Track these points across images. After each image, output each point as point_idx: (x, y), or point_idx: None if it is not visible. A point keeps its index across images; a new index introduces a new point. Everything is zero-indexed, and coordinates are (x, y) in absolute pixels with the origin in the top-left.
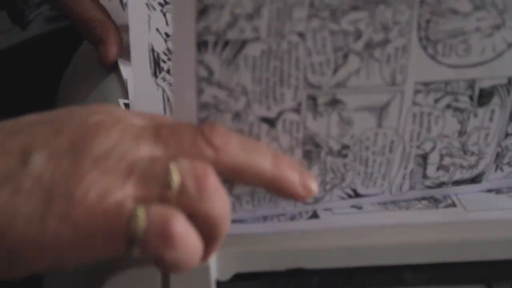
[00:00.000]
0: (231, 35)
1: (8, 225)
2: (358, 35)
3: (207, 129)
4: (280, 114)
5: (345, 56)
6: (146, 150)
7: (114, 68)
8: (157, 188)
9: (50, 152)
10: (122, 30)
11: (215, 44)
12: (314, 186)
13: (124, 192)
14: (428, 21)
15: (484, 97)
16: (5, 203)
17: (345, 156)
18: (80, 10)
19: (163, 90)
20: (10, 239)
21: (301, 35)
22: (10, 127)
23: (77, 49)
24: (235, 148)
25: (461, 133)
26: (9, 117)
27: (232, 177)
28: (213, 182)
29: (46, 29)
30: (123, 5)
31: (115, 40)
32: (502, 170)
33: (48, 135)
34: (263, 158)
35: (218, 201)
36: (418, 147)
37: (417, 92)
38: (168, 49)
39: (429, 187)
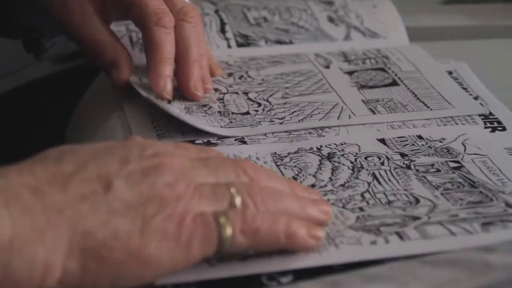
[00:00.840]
0: None
1: (112, 238)
2: None
3: (243, 162)
4: None
5: None
6: (203, 177)
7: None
8: (225, 207)
9: (127, 180)
10: None
11: None
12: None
13: (202, 208)
14: None
15: None
16: (105, 220)
17: None
18: (90, 33)
19: None
20: (116, 250)
21: None
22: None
23: (86, 89)
24: (263, 178)
25: None
26: (15, 155)
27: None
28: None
29: (57, 69)
30: (133, 44)
31: (127, 62)
32: None
33: (116, 165)
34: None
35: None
36: None
37: None
38: None
39: None
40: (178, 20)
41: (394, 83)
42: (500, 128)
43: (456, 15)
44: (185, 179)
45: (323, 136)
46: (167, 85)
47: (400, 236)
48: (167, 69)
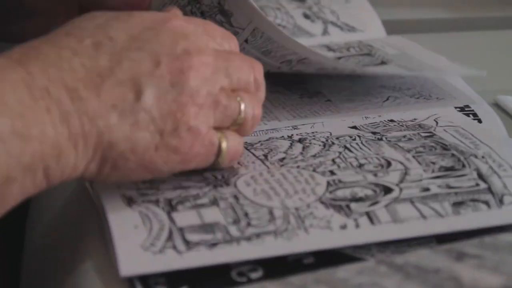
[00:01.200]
0: None
1: (130, 151)
2: None
3: (256, 66)
4: None
5: None
6: (222, 82)
7: None
8: (229, 122)
9: (156, 88)
10: None
11: None
12: None
13: (211, 125)
14: None
15: None
16: (127, 134)
17: None
18: None
19: None
20: (130, 161)
21: None
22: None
23: None
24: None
25: None
26: None
27: None
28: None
29: None
30: None
31: None
32: None
33: (148, 66)
34: None
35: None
36: None
37: None
38: None
39: None
40: None
41: (383, 63)
42: (476, 120)
43: (434, 8)
44: (207, 86)
45: (298, 129)
46: None
47: (370, 218)
48: None
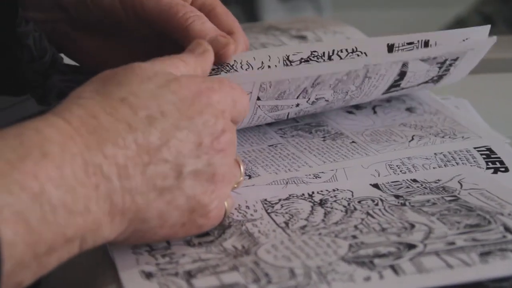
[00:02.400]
0: None
1: (159, 226)
2: None
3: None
4: None
5: None
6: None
7: None
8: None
9: (195, 169)
10: None
11: None
12: None
13: (225, 195)
14: None
15: None
16: (161, 211)
17: None
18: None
19: None
20: (157, 235)
21: None
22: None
23: None
24: None
25: None
26: None
27: None
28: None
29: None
30: None
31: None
32: None
33: (192, 147)
34: None
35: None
36: None
37: None
38: None
39: None
40: (207, 12)
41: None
42: (503, 169)
43: None
44: (232, 163)
45: (319, 177)
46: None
47: (395, 270)
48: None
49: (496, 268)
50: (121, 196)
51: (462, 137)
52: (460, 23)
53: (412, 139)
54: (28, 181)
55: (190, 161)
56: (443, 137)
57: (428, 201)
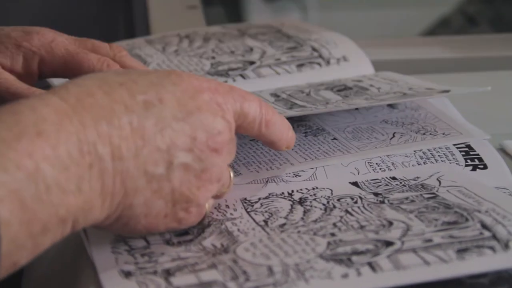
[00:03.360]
0: None
1: (144, 216)
2: None
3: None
4: None
5: None
6: (229, 160)
7: None
8: (219, 192)
9: (184, 162)
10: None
11: None
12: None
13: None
14: None
15: None
16: (148, 199)
17: None
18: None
19: None
20: (139, 224)
21: None
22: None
23: None
24: None
25: None
26: None
27: None
28: None
29: None
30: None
31: None
32: None
33: (185, 140)
34: None
35: None
36: None
37: None
38: None
39: None
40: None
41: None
42: (481, 166)
43: (436, 48)
44: (223, 165)
45: (299, 176)
46: None
47: (372, 267)
48: None
49: (473, 264)
50: (112, 178)
51: (443, 133)
52: (444, 23)
53: (393, 136)
54: (24, 160)
55: (182, 153)
56: (424, 133)
57: (406, 198)
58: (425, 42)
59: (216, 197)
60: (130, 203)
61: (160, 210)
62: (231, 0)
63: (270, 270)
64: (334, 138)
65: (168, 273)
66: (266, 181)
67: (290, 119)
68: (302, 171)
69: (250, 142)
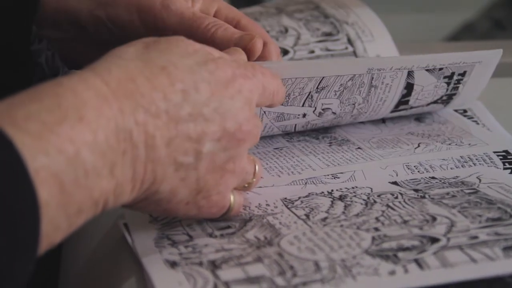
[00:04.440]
0: None
1: (167, 201)
2: None
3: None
4: None
5: None
6: (250, 161)
7: None
8: (243, 184)
9: (212, 151)
10: None
11: None
12: None
13: (231, 191)
14: None
15: None
16: (173, 187)
17: None
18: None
19: None
20: (162, 208)
21: None
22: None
23: None
24: None
25: None
26: None
27: None
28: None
29: None
30: None
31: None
32: None
33: (215, 129)
34: None
35: None
36: None
37: None
38: None
39: None
40: (232, 25)
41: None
42: None
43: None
44: (245, 156)
45: (338, 178)
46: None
47: (419, 264)
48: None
49: None
50: (143, 165)
51: (469, 144)
52: (469, 28)
53: (418, 146)
54: (65, 145)
55: (211, 143)
56: (449, 144)
57: (447, 193)
58: (450, 47)
59: (244, 189)
60: (156, 189)
61: (183, 198)
62: None
63: (317, 265)
64: (359, 148)
65: (214, 265)
66: (305, 183)
67: (315, 131)
68: (341, 173)
69: (274, 150)
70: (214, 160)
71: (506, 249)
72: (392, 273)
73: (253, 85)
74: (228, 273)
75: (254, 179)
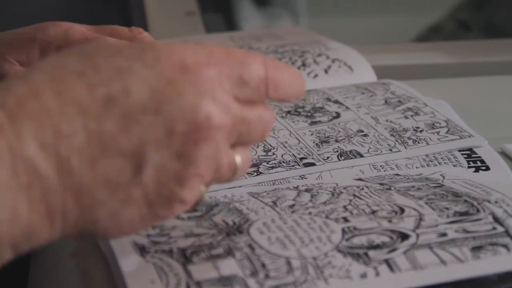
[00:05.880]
0: None
1: (114, 227)
2: None
3: (270, 119)
4: None
5: None
6: (228, 145)
7: None
8: (217, 179)
9: (160, 161)
10: None
11: None
12: None
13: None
14: None
15: None
16: (114, 212)
17: None
18: None
19: None
20: (112, 234)
21: None
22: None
23: None
24: None
25: None
26: None
27: None
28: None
29: None
30: None
31: None
32: None
33: (160, 134)
34: None
35: None
36: None
37: None
38: None
39: None
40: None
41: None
42: (484, 168)
43: (429, 53)
44: (217, 155)
45: (306, 178)
46: None
47: (390, 266)
48: None
49: (488, 265)
50: (60, 195)
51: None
52: (435, 29)
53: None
54: None
55: (155, 153)
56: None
57: (412, 186)
58: (418, 48)
59: (223, 182)
60: (92, 218)
61: (134, 217)
62: (226, 7)
63: (289, 264)
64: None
65: (185, 257)
66: (273, 183)
67: None
68: (310, 173)
69: None
70: (165, 169)
71: (474, 249)
72: (364, 276)
73: (218, 72)
74: (200, 271)
75: (236, 175)
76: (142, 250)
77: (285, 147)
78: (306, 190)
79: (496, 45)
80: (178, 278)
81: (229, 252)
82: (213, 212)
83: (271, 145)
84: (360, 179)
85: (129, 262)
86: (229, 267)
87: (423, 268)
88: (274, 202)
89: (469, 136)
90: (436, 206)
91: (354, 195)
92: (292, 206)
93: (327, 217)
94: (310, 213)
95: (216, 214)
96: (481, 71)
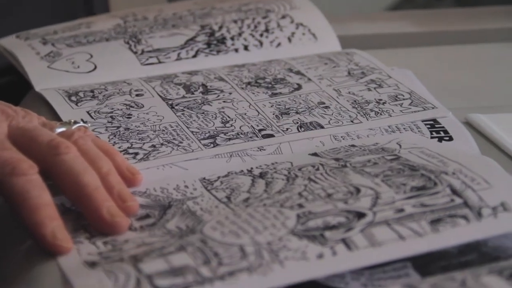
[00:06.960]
0: None
1: None
2: None
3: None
4: None
5: None
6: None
7: None
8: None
9: None
10: None
11: None
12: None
13: None
14: None
15: None
16: None
17: None
18: None
19: None
20: None
21: None
22: None
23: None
24: None
25: None
26: None
27: None
28: None
29: None
30: None
31: None
32: None
33: None
34: None
35: None
36: None
37: None
38: None
39: None
40: (51, 157)
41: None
42: (447, 138)
43: (400, 22)
44: None
45: (264, 150)
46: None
47: (347, 245)
48: (46, 213)
49: (448, 237)
50: None
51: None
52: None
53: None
54: None
55: None
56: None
57: (369, 161)
58: (390, 16)
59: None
60: None
61: None
62: None
63: (243, 251)
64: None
65: (135, 259)
66: (230, 156)
67: None
68: (268, 145)
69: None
70: None
71: (433, 222)
72: (320, 256)
73: None
74: (150, 266)
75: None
76: (92, 265)
77: (244, 119)
78: (261, 176)
79: (466, 14)
80: (128, 274)
81: (181, 249)
82: (167, 218)
83: (229, 117)
84: (315, 154)
85: (78, 273)
86: (180, 259)
87: (381, 244)
88: (228, 198)
89: (433, 108)
90: (393, 183)
91: (310, 179)
92: (246, 199)
93: (281, 206)
94: (264, 205)
95: (169, 220)
96: (450, 40)
